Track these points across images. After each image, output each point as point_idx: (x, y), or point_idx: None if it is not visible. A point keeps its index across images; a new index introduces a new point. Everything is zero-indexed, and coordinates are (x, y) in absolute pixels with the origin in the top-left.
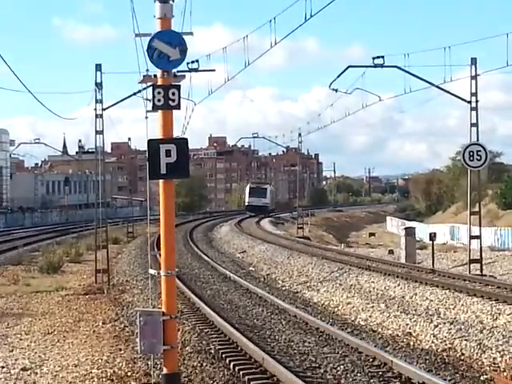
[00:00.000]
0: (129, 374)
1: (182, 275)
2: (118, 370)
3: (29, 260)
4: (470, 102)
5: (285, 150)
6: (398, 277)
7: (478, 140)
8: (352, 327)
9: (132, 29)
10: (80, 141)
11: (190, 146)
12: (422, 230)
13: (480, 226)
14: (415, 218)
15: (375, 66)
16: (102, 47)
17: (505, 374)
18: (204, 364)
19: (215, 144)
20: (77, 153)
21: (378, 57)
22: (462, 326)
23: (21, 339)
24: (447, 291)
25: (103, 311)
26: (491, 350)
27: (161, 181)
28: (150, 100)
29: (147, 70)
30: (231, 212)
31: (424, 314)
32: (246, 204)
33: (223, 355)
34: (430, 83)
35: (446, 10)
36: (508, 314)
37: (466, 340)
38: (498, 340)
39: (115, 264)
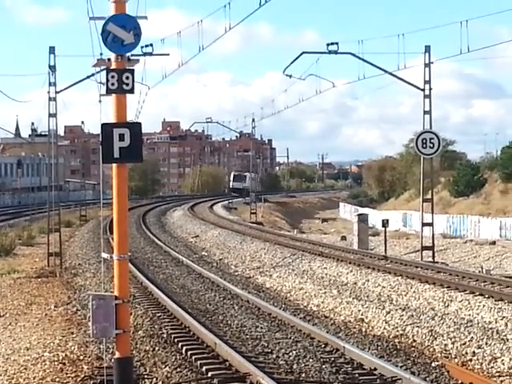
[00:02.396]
0: (81, 357)
1: (134, 259)
2: (70, 354)
3: None
4: (423, 90)
5: (238, 135)
6: (350, 263)
7: (431, 128)
8: (304, 313)
9: (86, 12)
10: (33, 123)
11: (144, 131)
12: (375, 217)
13: (432, 213)
14: (368, 204)
15: (329, 52)
16: (54, 29)
17: (456, 360)
18: (156, 348)
19: (169, 128)
20: (30, 135)
21: (333, 43)
22: (414, 313)
23: None
24: (399, 278)
25: (55, 294)
26: (443, 336)
27: (114, 165)
28: (103, 84)
29: (101, 54)
30: (184, 197)
31: (376, 300)
32: (231, 187)
33: (175, 340)
34: (383, 70)
35: None
36: (459, 301)
37: (417, 327)
38: (449, 327)
39: (68, 247)
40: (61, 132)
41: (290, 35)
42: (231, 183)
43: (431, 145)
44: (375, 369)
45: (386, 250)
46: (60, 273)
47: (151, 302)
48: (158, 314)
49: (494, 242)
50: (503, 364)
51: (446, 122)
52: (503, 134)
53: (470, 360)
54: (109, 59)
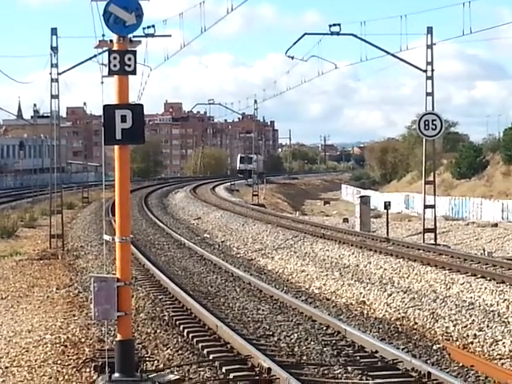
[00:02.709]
0: (82, 340)
1: (136, 241)
2: (71, 336)
3: None
4: (425, 71)
5: (240, 116)
6: (352, 245)
7: (433, 109)
8: (306, 295)
9: None
10: (35, 105)
11: (146, 112)
12: (377, 199)
13: (434, 195)
14: (370, 186)
15: (331, 33)
16: (57, 11)
17: (457, 343)
18: (158, 331)
19: (171, 110)
20: (32, 117)
21: (335, 24)
22: (416, 295)
23: None
24: (401, 260)
25: (57, 277)
26: (444, 319)
27: (116, 146)
28: (105, 65)
29: (103, 35)
30: (186, 178)
31: (378, 282)
32: (238, 168)
33: (177, 322)
34: (386, 52)
35: None
36: (461, 284)
37: (419, 309)
38: (451, 309)
39: (70, 229)
40: (63, 113)
41: (292, 16)
42: (238, 165)
43: (433, 126)
44: (376, 351)
45: (388, 232)
46: (62, 255)
47: (153, 285)
48: (160, 297)
49: (496, 225)
50: (504, 347)
51: (449, 103)
52: (506, 116)
53: (471, 343)
54: (111, 40)
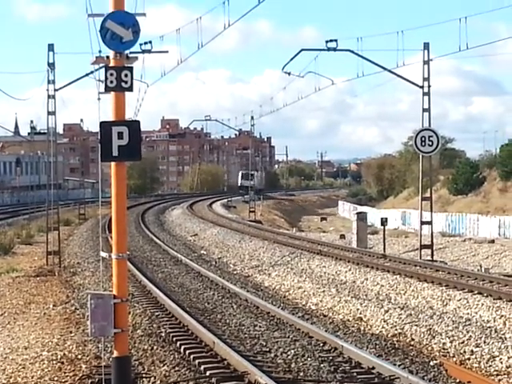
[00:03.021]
0: (79, 356)
1: (133, 258)
2: (68, 353)
3: None
4: (422, 87)
5: (237, 133)
6: (349, 261)
7: (429, 125)
8: (303, 312)
9: (85, 8)
10: (32, 121)
11: (143, 128)
12: (374, 215)
13: (431, 211)
14: (367, 202)
15: (328, 49)
16: (53, 26)
17: (454, 359)
18: (155, 347)
19: (167, 126)
20: (29, 134)
21: (331, 40)
22: (413, 312)
23: None
24: (398, 276)
25: (54, 293)
26: (441, 335)
27: (113, 163)
28: (102, 81)
29: (100, 51)
30: (183, 195)
31: (375, 299)
32: (239, 185)
33: (174, 339)
34: (382, 67)
35: None
36: (458, 300)
37: (416, 325)
38: (447, 325)
39: (66, 246)
40: (60, 130)
41: (289, 32)
42: (239, 181)
43: (430, 143)
44: (373, 367)
45: (384, 248)
46: (59, 272)
47: (150, 301)
48: (157, 313)
49: (492, 241)
50: (501, 363)
51: (445, 119)
52: (502, 132)
53: (468, 359)
54: (107, 57)
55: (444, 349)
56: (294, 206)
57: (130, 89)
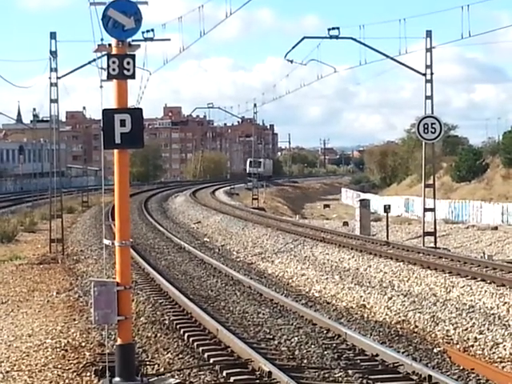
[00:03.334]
0: (83, 344)
1: (136, 245)
2: (72, 341)
3: None
4: (424, 75)
5: (240, 120)
6: (352, 249)
7: (432, 112)
8: (306, 299)
9: None
10: (34, 109)
11: (145, 116)
12: (377, 202)
13: (434, 198)
14: (370, 189)
15: (330, 37)
16: (56, 15)
17: (458, 346)
18: (158, 335)
19: (170, 114)
20: (31, 121)
21: (334, 28)
22: (416, 299)
23: None
24: (401, 263)
25: (57, 281)
26: (444, 322)
27: (115, 150)
28: (104, 69)
29: (102, 39)
30: (186, 182)
31: (378, 286)
32: (247, 172)
33: (178, 326)
34: (385, 55)
35: None
36: (461, 287)
37: (419, 312)
38: (451, 312)
39: (70, 234)
40: (62, 118)
41: (291, 20)
42: (248, 168)
43: (433, 130)
44: (377, 355)
45: (387, 235)
46: (62, 259)
47: (153, 289)
48: (160, 301)
49: (495, 228)
50: (505, 350)
51: (448, 106)
52: (505, 119)
53: (472, 346)
54: (110, 45)
55: (447, 336)
56: (297, 193)
57: (133, 76)
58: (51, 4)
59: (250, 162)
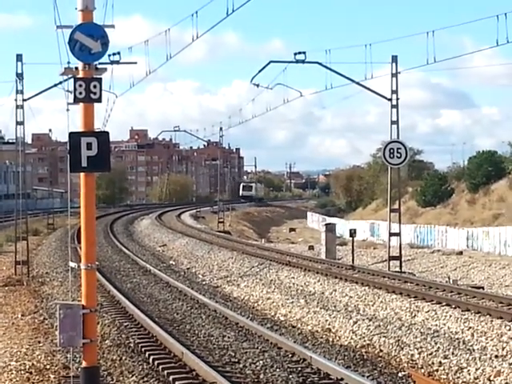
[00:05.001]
0: (48, 366)
1: (102, 268)
2: (36, 363)
3: None
4: (390, 100)
5: (206, 143)
6: (317, 273)
7: (398, 137)
8: (272, 322)
9: (53, 18)
10: (0, 131)
11: (111, 139)
12: (343, 227)
13: (400, 223)
14: (336, 214)
15: (297, 61)
16: (21, 36)
17: (422, 370)
18: (123, 358)
19: (136, 137)
20: None
21: (300, 52)
22: (381, 323)
23: None
24: (367, 288)
25: (22, 303)
26: (409, 346)
27: (82, 173)
28: (71, 92)
29: (68, 62)
30: (152, 205)
31: (343, 310)
32: (240, 194)
33: (143, 349)
34: (350, 80)
35: (368, 7)
36: (426, 312)
37: (384, 336)
38: (416, 337)
39: (35, 256)
40: (28, 140)
41: (257, 44)
42: (240, 191)
43: (398, 155)
44: (342, 379)
45: (353, 259)
46: (27, 281)
47: (119, 311)
48: (126, 324)
49: (461, 252)
50: (469, 374)
51: (414, 131)
52: (470, 144)
53: (437, 370)
54: (76, 68)
55: (412, 360)
56: (263, 216)
57: (99, 100)
58: (17, 24)
59: (243, 185)
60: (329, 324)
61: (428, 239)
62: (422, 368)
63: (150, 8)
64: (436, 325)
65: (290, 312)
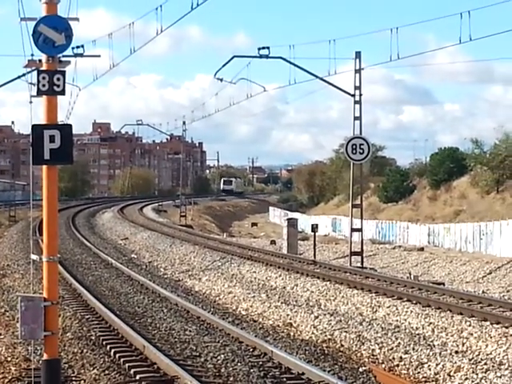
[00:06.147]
0: (8, 359)
1: (64, 261)
2: None
3: None
4: (353, 96)
5: (169, 137)
6: (279, 267)
7: (361, 133)
8: (233, 317)
9: (17, 11)
10: None
11: (74, 131)
12: (305, 221)
13: (362, 218)
14: (298, 209)
15: (260, 56)
16: None
17: (383, 365)
18: (85, 351)
19: (99, 130)
20: None
21: (264, 47)
22: (342, 318)
23: None
24: (328, 283)
25: None
26: (370, 342)
27: (44, 166)
28: (34, 84)
29: (32, 55)
30: (114, 198)
31: (305, 305)
32: (221, 189)
33: (104, 342)
34: (314, 75)
35: (332, 2)
36: (387, 307)
37: (345, 331)
38: (377, 332)
39: None
40: None
41: (221, 38)
42: (221, 186)
43: (361, 150)
44: (303, 373)
45: (315, 254)
46: None
47: (80, 304)
48: (87, 316)
49: (422, 249)
50: (429, 369)
51: (376, 127)
52: (432, 141)
53: (397, 365)
54: (40, 60)
55: (373, 355)
56: (225, 211)
57: (63, 92)
58: None
59: (224, 180)
60: (290, 319)
61: (390, 235)
62: (382, 363)
63: (113, 1)
64: (397, 320)
65: (251, 306)
